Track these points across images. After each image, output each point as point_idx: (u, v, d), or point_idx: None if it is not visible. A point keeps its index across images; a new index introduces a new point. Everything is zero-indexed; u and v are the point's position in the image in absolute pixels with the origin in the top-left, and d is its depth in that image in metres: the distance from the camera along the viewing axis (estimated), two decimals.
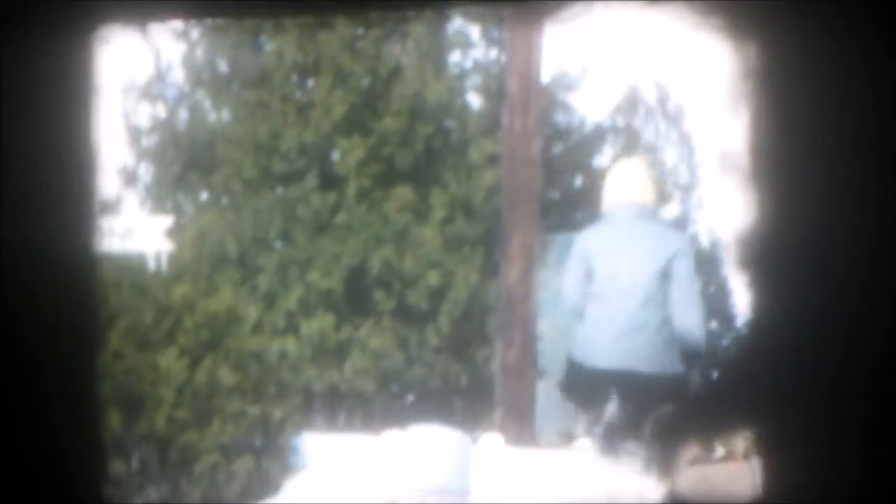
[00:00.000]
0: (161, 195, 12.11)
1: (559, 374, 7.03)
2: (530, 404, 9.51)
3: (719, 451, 5.44)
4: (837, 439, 1.83)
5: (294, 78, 11.71)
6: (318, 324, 10.98)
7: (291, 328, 11.06)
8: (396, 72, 11.62)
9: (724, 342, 13.08)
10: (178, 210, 11.81)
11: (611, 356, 6.20)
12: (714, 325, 12.78)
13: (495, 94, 11.11)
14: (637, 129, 13.32)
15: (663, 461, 5.75)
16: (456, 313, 11.09)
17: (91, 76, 1.90)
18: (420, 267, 11.07)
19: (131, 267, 9.33)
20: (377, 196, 11.35)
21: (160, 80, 12.35)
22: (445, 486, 6.00)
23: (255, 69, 11.84)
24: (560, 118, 12.57)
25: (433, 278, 11.05)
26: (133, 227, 10.82)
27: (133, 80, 12.28)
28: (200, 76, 12.20)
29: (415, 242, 11.17)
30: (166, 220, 11.09)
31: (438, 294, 11.11)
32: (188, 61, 12.26)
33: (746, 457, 5.33)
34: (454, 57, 12.07)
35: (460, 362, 11.20)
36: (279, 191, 11.61)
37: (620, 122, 13.13)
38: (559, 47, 12.82)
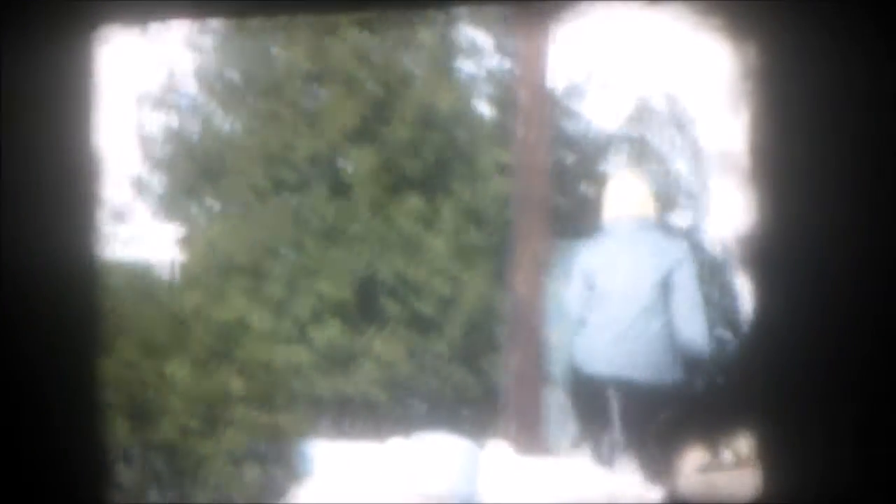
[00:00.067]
0: (172, 204, 12.11)
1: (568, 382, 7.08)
2: (539, 413, 9.51)
3: (728, 457, 5.44)
4: (838, 440, 1.83)
5: (304, 87, 11.72)
6: (328, 332, 10.97)
7: (301, 337, 11.06)
8: (406, 81, 11.62)
9: (734, 350, 13.02)
10: (188, 219, 11.81)
11: (610, 364, 6.29)
12: (723, 332, 12.75)
13: (505, 103, 11.11)
14: (647, 138, 13.29)
15: (665, 467, 5.76)
16: (465, 322, 11.08)
17: (91, 76, 1.91)
18: (429, 276, 11.07)
19: (142, 275, 9.35)
20: (387, 205, 11.35)
21: (172, 90, 12.37)
22: (453, 493, 6.00)
23: (265, 79, 11.85)
24: (570, 127, 12.55)
25: (443, 287, 11.04)
26: (144, 236, 10.84)
27: (145, 91, 12.30)
28: (212, 86, 12.22)
29: (424, 251, 11.16)
30: (177, 229, 11.10)
31: (448, 303, 11.10)
32: (200, 71, 12.27)
33: (755, 463, 5.33)
34: (464, 66, 12.07)
35: (469, 371, 11.19)
36: (289, 200, 11.62)
37: (630, 131, 13.10)
38: (569, 56, 12.80)
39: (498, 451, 7.03)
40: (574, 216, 11.78)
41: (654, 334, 6.21)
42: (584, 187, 12.41)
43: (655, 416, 6.07)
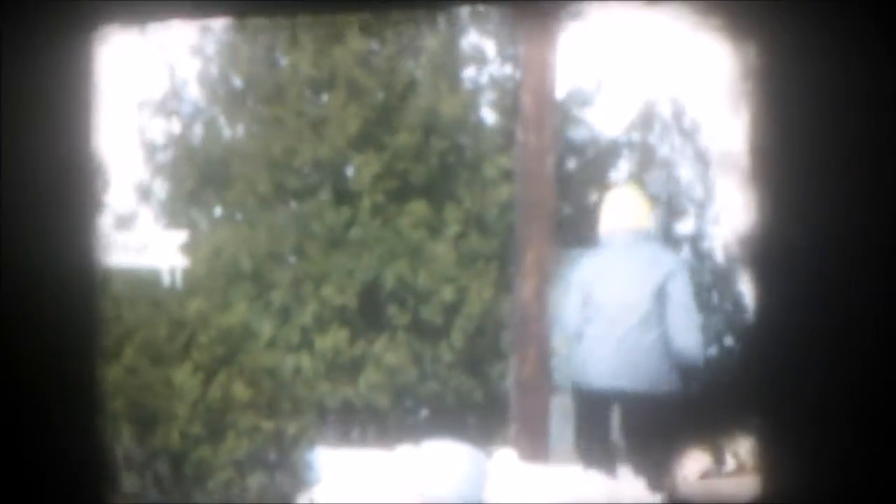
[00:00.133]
0: (176, 210, 12.13)
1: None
2: (545, 420, 9.51)
3: (730, 463, 5.44)
4: (838, 441, 1.82)
5: (308, 93, 11.73)
6: (332, 339, 10.97)
7: (305, 343, 11.06)
8: (411, 87, 11.63)
9: (736, 353, 13.02)
10: (192, 225, 11.81)
11: (608, 377, 6.35)
12: (729, 341, 12.74)
13: (510, 109, 11.11)
14: (652, 144, 13.31)
15: (666, 474, 5.78)
16: (470, 329, 11.08)
17: (91, 77, 1.91)
18: (434, 282, 11.07)
19: (145, 282, 9.35)
20: (391, 211, 11.35)
21: (175, 95, 12.38)
22: (459, 501, 5.99)
23: (269, 84, 11.86)
24: (574, 134, 12.55)
25: (447, 294, 11.04)
26: (147, 243, 10.85)
27: (148, 96, 12.31)
28: (215, 92, 12.23)
29: (429, 258, 11.16)
30: (181, 236, 11.11)
31: (452, 309, 11.10)
32: (203, 77, 12.28)
33: (756, 468, 5.33)
34: (468, 72, 12.08)
35: (474, 378, 11.19)
36: (293, 206, 11.62)
37: (635, 137, 13.11)
38: (573, 63, 12.81)
39: (504, 459, 7.03)
40: (579, 223, 11.77)
41: (651, 344, 6.29)
42: (589, 194, 12.40)
43: (656, 425, 6.11)
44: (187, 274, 10.79)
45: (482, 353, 11.19)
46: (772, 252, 1.88)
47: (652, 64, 14.25)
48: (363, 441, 10.72)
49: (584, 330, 6.49)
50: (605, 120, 12.85)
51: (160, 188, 12.31)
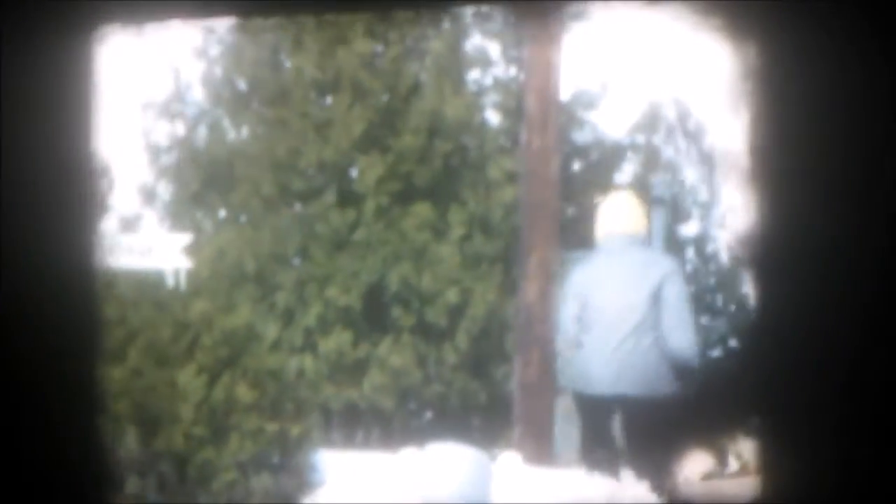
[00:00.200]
0: (180, 213, 12.13)
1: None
2: (549, 422, 9.51)
3: (733, 465, 5.44)
4: (838, 441, 1.82)
5: (312, 95, 11.73)
6: (336, 341, 10.97)
7: (309, 345, 11.06)
8: (415, 89, 11.63)
9: (737, 353, 13.00)
10: (196, 227, 11.82)
11: (607, 383, 6.38)
12: (733, 343, 12.72)
13: (514, 111, 11.11)
14: (657, 146, 13.29)
15: (668, 476, 5.79)
16: (474, 331, 11.07)
17: (91, 77, 1.91)
18: (438, 284, 11.06)
19: (150, 284, 9.36)
20: (395, 213, 11.35)
21: (179, 97, 12.38)
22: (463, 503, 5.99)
23: (273, 86, 11.86)
24: (579, 136, 12.55)
25: (451, 296, 11.04)
26: (152, 245, 10.86)
27: (152, 98, 12.32)
28: (219, 94, 12.23)
29: (433, 260, 11.15)
30: (185, 238, 11.12)
31: (457, 311, 11.10)
32: (207, 79, 12.29)
33: (757, 468, 5.32)
34: (473, 74, 12.07)
35: (479, 380, 11.18)
36: (298, 208, 11.62)
37: (640, 139, 13.10)
38: (578, 65, 12.81)
39: (508, 461, 7.04)
40: (583, 225, 11.77)
41: (648, 348, 6.33)
42: (594, 196, 12.39)
43: (657, 428, 6.14)
44: (191, 276, 10.80)
45: (486, 355, 11.18)
46: (771, 252, 1.88)
47: (656, 66, 14.24)
48: (367, 443, 10.73)
49: (582, 339, 6.54)
50: (609, 122, 12.83)
51: (164, 190, 12.31)
